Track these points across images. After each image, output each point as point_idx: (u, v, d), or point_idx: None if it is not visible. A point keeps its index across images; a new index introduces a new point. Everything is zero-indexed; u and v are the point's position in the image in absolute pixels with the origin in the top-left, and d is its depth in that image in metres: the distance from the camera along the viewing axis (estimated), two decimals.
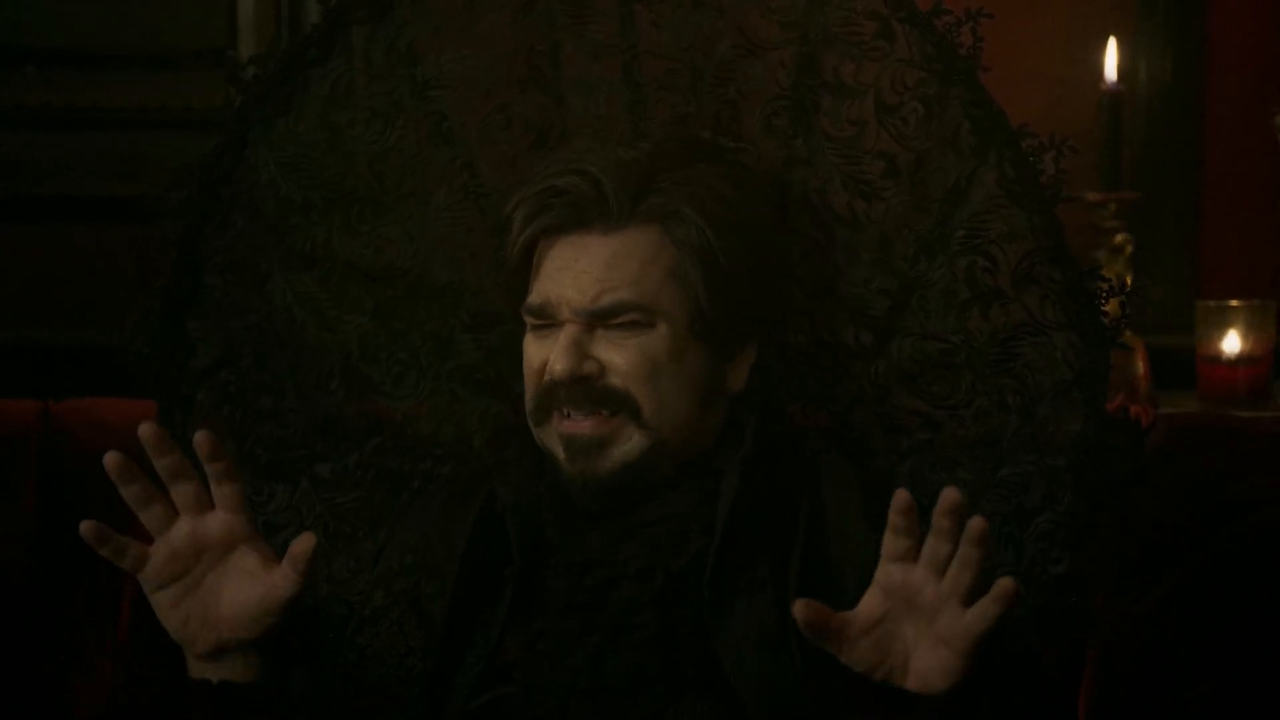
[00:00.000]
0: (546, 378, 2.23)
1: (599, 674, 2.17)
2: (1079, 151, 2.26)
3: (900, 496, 2.01)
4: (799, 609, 2.01)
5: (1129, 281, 2.34)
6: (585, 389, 2.22)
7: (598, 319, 2.23)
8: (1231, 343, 3.53)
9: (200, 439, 2.08)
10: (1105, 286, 2.25)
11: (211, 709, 2.14)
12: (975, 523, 1.98)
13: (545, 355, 2.24)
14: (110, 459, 2.08)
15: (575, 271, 2.23)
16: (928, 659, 2.02)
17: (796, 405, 2.39)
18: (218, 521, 2.11)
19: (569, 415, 2.23)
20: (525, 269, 2.27)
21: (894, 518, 2.01)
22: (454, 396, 2.45)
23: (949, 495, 1.99)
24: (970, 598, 2.00)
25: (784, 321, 2.36)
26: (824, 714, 2.14)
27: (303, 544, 2.09)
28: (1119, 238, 3.62)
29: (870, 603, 2.03)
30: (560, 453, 2.24)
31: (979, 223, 2.28)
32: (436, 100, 2.39)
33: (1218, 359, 3.53)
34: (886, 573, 2.03)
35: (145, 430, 2.09)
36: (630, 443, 2.23)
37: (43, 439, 2.77)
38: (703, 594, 2.18)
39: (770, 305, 2.33)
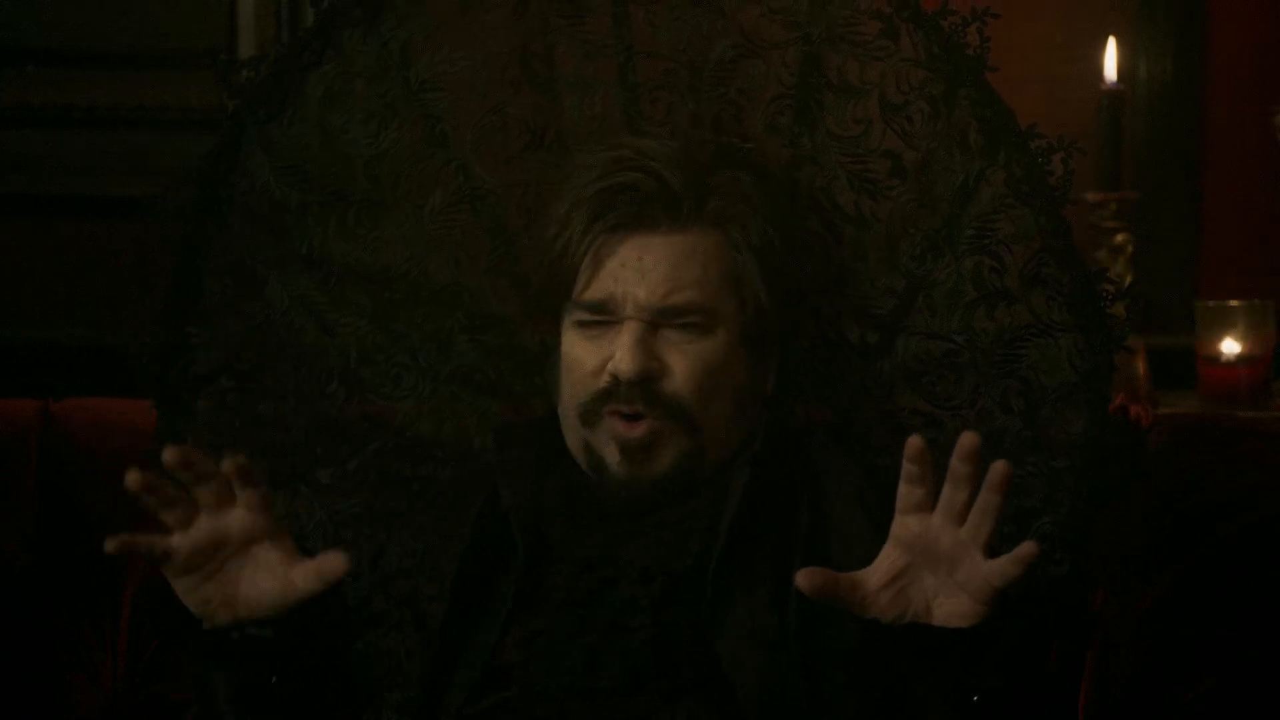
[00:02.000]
0: (606, 378, 2.22)
1: (595, 675, 2.16)
2: (1086, 154, 2.26)
3: (913, 443, 2.00)
4: (802, 579, 2.01)
5: (1128, 280, 2.34)
6: (643, 390, 2.21)
7: (663, 318, 2.22)
8: (1231, 343, 3.53)
9: (228, 465, 2.05)
10: (1111, 289, 2.25)
11: (224, 656, 2.11)
12: (998, 467, 1.98)
13: (602, 354, 2.23)
14: (131, 478, 2.04)
15: (641, 269, 2.22)
16: (949, 605, 2.03)
17: (800, 402, 2.39)
18: (239, 518, 2.09)
19: (622, 416, 2.22)
20: (574, 268, 2.25)
21: (907, 466, 2.01)
22: (454, 397, 2.45)
23: (967, 440, 1.99)
24: (990, 546, 1.99)
25: (799, 321, 2.36)
26: (821, 714, 2.14)
27: (334, 564, 2.08)
28: (1119, 238, 3.62)
29: (887, 558, 2.04)
30: (615, 454, 2.23)
31: (987, 223, 2.28)
32: (431, 102, 2.39)
33: (1218, 359, 3.52)
34: (903, 524, 2.03)
35: (170, 455, 2.05)
36: (676, 446, 2.23)
37: (43, 439, 2.77)
38: (704, 594, 2.18)
39: (798, 307, 2.33)
